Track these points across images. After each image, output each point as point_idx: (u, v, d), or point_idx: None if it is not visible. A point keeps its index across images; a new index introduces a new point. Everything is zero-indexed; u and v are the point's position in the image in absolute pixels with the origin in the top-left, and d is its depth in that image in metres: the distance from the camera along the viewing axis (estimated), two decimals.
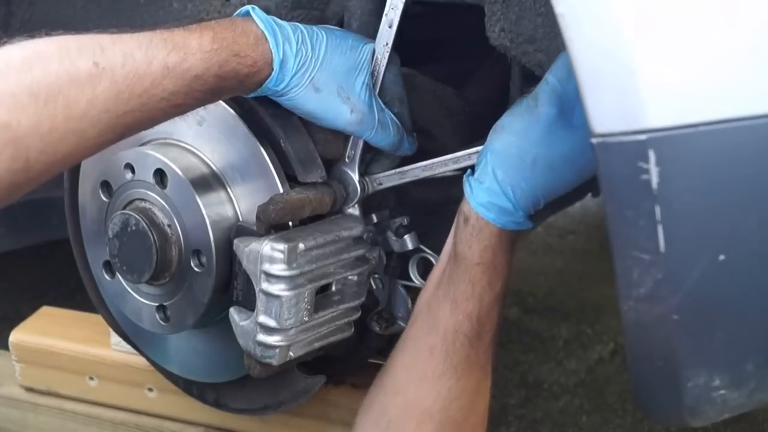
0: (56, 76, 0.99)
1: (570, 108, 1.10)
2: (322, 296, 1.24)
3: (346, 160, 1.28)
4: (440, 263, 1.24)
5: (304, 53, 1.17)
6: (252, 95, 1.19)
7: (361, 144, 1.27)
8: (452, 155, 1.25)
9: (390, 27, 1.22)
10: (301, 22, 1.31)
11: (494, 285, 1.19)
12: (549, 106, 1.12)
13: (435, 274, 1.25)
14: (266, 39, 1.15)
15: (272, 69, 1.15)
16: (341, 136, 1.28)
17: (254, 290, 1.19)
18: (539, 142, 1.12)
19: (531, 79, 1.28)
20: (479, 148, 1.20)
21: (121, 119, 1.04)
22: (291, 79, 1.17)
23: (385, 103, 1.25)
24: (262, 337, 1.20)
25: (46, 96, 0.97)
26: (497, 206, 1.15)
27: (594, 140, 0.90)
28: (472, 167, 1.19)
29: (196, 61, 1.09)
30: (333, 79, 1.19)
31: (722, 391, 0.97)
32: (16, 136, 0.95)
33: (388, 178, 1.30)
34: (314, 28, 1.21)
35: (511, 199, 1.14)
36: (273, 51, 1.15)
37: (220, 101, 1.23)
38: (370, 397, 1.27)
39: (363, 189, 1.29)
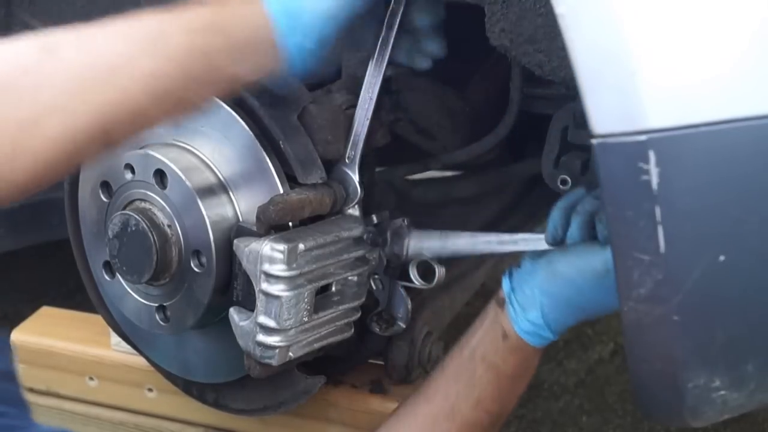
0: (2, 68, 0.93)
1: None
2: (321, 297, 1.24)
3: (347, 160, 1.27)
4: (461, 351, 1.23)
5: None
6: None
7: (361, 145, 1.27)
8: (497, 236, 1.26)
9: None
10: None
11: (517, 394, 1.23)
12: (605, 263, 1.10)
13: (455, 359, 1.23)
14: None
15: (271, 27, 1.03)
16: (341, 137, 1.27)
17: (254, 291, 1.19)
18: (595, 297, 1.13)
19: (531, 80, 1.28)
20: (527, 235, 1.22)
21: (84, 99, 0.94)
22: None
23: None
24: (261, 338, 1.20)
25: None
26: (540, 336, 1.17)
27: (594, 141, 0.90)
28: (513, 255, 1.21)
29: (155, 20, 0.99)
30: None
31: (722, 392, 0.97)
32: None
33: (430, 249, 1.30)
34: None
35: (554, 331, 1.17)
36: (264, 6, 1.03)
37: (221, 102, 1.23)
38: None
39: (363, 189, 1.28)
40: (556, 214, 1.17)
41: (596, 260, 1.10)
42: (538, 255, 1.17)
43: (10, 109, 0.91)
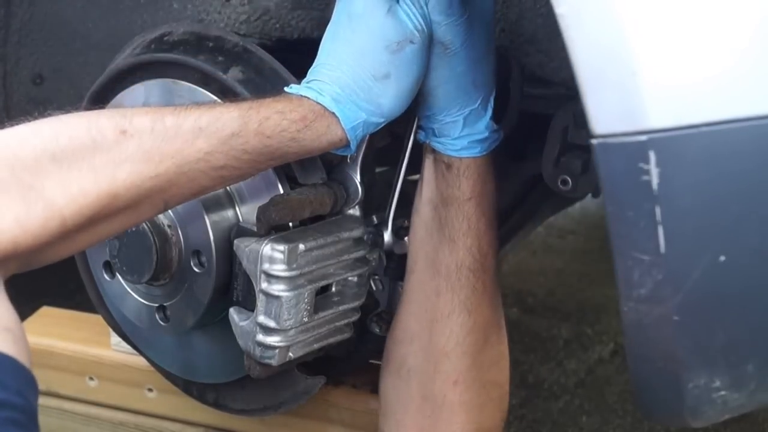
0: (81, 143, 1.00)
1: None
2: (321, 297, 1.24)
3: (348, 160, 1.27)
4: (420, 214, 1.27)
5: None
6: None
7: (363, 145, 1.27)
8: None
9: None
10: (301, 22, 1.32)
11: (487, 213, 1.24)
12: (450, 36, 1.15)
13: (418, 225, 1.28)
14: (309, 97, 1.13)
15: (333, 117, 1.12)
16: None
17: (254, 291, 1.19)
18: (467, 67, 1.17)
19: (531, 80, 1.28)
20: None
21: (155, 182, 1.04)
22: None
23: None
24: (261, 338, 1.20)
25: (69, 162, 0.99)
26: (475, 140, 1.21)
27: (594, 141, 0.90)
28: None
29: (231, 119, 1.08)
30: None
31: (723, 392, 0.97)
32: (48, 197, 0.96)
33: None
34: None
35: (483, 125, 1.21)
36: (320, 101, 1.12)
37: (218, 101, 1.23)
38: (387, 351, 1.31)
39: (363, 190, 1.28)
40: None
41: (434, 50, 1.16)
42: None
43: (89, 182, 1.00)
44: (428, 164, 1.26)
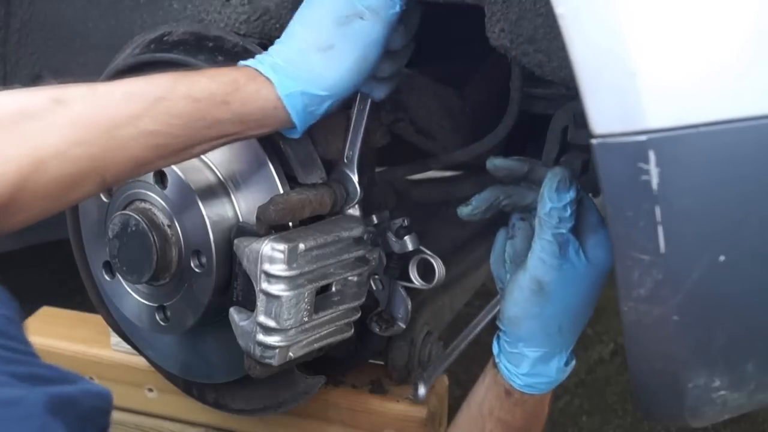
0: (14, 110, 1.00)
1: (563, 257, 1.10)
2: (322, 297, 1.24)
3: (345, 160, 1.27)
4: (465, 412, 1.24)
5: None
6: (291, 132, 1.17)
7: (359, 144, 1.27)
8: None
9: None
10: None
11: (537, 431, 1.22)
12: (548, 277, 1.10)
13: (461, 420, 1.25)
14: (247, 65, 1.13)
15: (266, 81, 1.11)
16: (341, 137, 1.27)
17: (254, 290, 1.19)
18: (557, 312, 1.12)
19: (531, 80, 1.28)
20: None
21: (84, 149, 1.02)
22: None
23: None
24: (261, 338, 1.20)
25: (0, 129, 0.99)
26: (541, 381, 1.17)
27: (594, 141, 0.90)
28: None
29: (160, 83, 1.07)
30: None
31: (722, 392, 0.97)
32: None
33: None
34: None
35: (554, 369, 1.16)
36: (255, 66, 1.12)
37: None
38: None
39: (362, 189, 1.28)
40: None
41: (533, 283, 1.10)
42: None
43: (17, 148, 0.99)
44: (489, 376, 1.20)
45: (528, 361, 1.15)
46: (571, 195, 1.07)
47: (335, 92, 1.14)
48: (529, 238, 1.15)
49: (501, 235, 1.20)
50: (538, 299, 1.11)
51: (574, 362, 1.18)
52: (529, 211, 1.18)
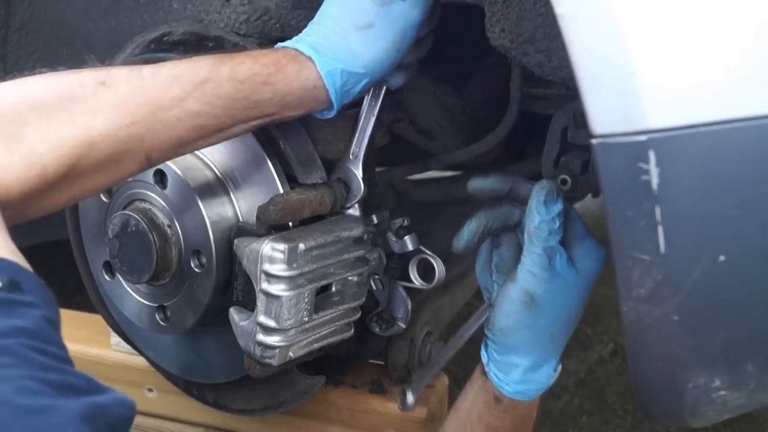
0: (61, 94, 1.02)
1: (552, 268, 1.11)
2: (322, 297, 1.24)
3: (351, 156, 1.27)
4: (454, 420, 1.23)
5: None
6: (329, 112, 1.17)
7: (365, 142, 1.27)
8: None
9: None
10: (301, 22, 1.31)
11: None
12: (540, 290, 1.11)
13: (449, 427, 1.24)
14: (287, 46, 1.14)
15: (307, 60, 1.12)
16: (341, 136, 1.27)
17: (254, 290, 1.19)
18: (549, 322, 1.13)
19: (531, 80, 1.28)
20: None
21: (131, 130, 1.04)
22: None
23: None
24: (261, 338, 1.20)
25: (49, 111, 1.00)
26: (532, 387, 1.17)
27: (594, 141, 0.90)
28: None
29: (205, 65, 1.09)
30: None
31: (722, 392, 0.97)
32: (28, 145, 0.98)
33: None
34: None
35: (545, 375, 1.16)
36: (296, 46, 1.13)
37: None
38: None
39: (366, 187, 1.28)
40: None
41: (524, 296, 1.11)
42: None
43: (67, 130, 1.01)
44: (478, 383, 1.20)
45: (519, 369, 1.15)
46: (558, 207, 1.08)
47: (372, 71, 1.15)
48: (515, 247, 1.16)
49: (485, 245, 1.20)
50: (529, 311, 1.12)
51: (560, 367, 1.19)
52: (515, 228, 1.18)
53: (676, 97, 0.88)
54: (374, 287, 1.34)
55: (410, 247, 1.32)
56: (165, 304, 1.34)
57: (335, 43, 1.13)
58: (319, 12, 1.17)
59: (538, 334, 1.14)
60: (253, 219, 1.22)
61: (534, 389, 1.17)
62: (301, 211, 1.22)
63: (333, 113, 1.18)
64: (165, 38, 1.34)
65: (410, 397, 1.33)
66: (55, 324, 0.85)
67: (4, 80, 1.03)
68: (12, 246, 0.89)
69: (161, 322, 1.36)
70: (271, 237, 1.18)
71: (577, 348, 2.44)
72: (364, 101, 1.27)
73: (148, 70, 1.07)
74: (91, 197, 1.37)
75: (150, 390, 1.61)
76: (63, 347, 0.84)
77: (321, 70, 1.13)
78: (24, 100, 1.00)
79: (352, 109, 1.27)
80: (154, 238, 1.27)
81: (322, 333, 1.25)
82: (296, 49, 1.13)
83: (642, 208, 0.89)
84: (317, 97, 1.14)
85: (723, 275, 0.92)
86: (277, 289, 1.17)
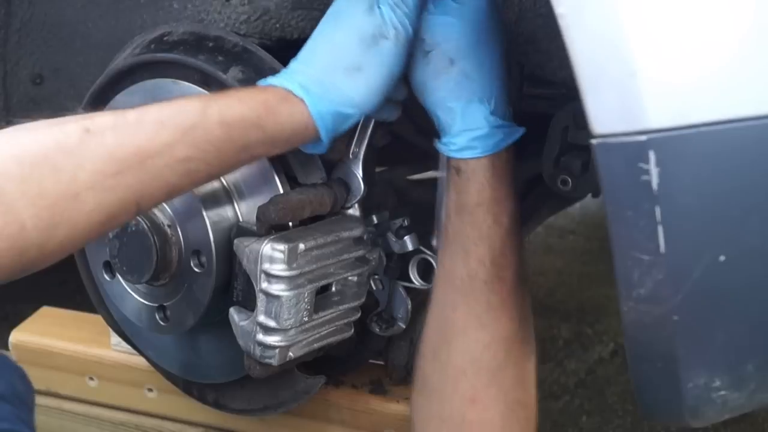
0: (45, 144, 0.99)
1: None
2: (322, 297, 1.24)
3: (351, 156, 1.27)
4: (440, 224, 1.23)
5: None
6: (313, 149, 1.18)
7: (366, 141, 1.27)
8: None
9: None
10: (301, 22, 1.31)
11: (501, 221, 1.18)
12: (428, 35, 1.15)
13: (439, 235, 1.23)
14: (275, 84, 1.14)
15: (299, 102, 1.12)
16: (341, 137, 1.27)
17: (254, 290, 1.19)
18: (450, 59, 1.16)
19: (531, 80, 1.28)
20: None
21: (119, 180, 1.01)
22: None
23: None
24: (261, 338, 1.20)
25: (32, 164, 0.97)
26: (476, 138, 1.16)
27: (594, 141, 0.90)
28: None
29: (192, 109, 1.07)
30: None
31: (722, 392, 0.97)
32: (5, 201, 0.95)
33: None
34: None
35: (481, 117, 1.16)
36: (286, 86, 1.13)
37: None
38: (415, 368, 1.26)
39: (366, 186, 1.28)
40: None
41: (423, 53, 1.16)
42: None
43: (52, 183, 0.98)
44: (447, 173, 1.21)
45: (455, 123, 1.17)
46: None
47: (362, 110, 1.16)
48: None
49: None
50: (427, 59, 1.16)
51: (509, 112, 1.20)
52: None
53: (676, 97, 0.88)
54: (374, 287, 1.34)
55: (410, 247, 1.32)
56: (165, 304, 1.34)
57: (325, 85, 1.13)
58: (305, 49, 1.16)
59: (449, 77, 1.16)
60: (253, 219, 1.22)
61: (479, 140, 1.16)
62: (301, 211, 1.22)
63: (323, 149, 1.18)
64: (165, 38, 1.34)
65: None
66: (5, 398, 0.81)
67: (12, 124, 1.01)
68: None
69: (161, 322, 1.36)
70: (271, 237, 1.18)
71: (577, 348, 2.44)
72: None
73: (133, 115, 1.05)
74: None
75: (150, 390, 1.61)
76: (16, 421, 0.80)
77: (312, 111, 1.12)
78: (8, 152, 0.97)
79: None
80: (154, 238, 1.27)
81: (322, 333, 1.25)
82: (286, 89, 1.12)
83: (642, 208, 0.89)
84: (307, 137, 1.14)
85: (723, 275, 0.92)
86: (277, 289, 1.17)
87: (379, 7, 1.14)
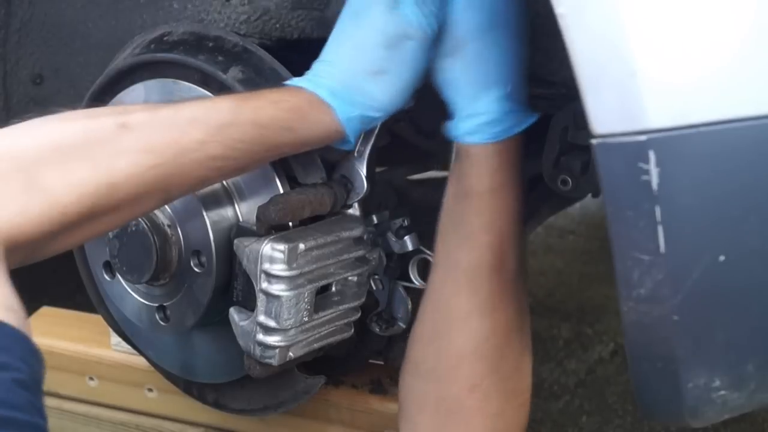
0: (81, 136, 1.02)
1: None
2: (322, 297, 1.24)
3: (356, 154, 1.27)
4: (444, 209, 1.22)
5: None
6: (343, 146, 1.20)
7: (372, 140, 1.26)
8: None
9: None
10: (301, 22, 1.31)
11: (508, 208, 1.19)
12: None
13: (441, 220, 1.23)
14: (305, 89, 1.15)
15: (328, 108, 1.14)
16: None
17: (254, 290, 1.19)
18: (457, 44, 1.15)
19: (531, 80, 1.28)
20: None
21: (154, 173, 1.04)
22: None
23: None
24: (261, 338, 1.20)
25: (69, 154, 1.00)
26: (484, 123, 1.16)
27: (594, 141, 0.90)
28: None
29: (226, 109, 1.10)
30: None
31: (722, 392, 0.97)
32: (47, 186, 0.97)
33: None
34: None
35: (497, 103, 1.15)
36: (316, 92, 1.14)
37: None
38: (408, 350, 1.26)
39: (369, 185, 1.28)
40: None
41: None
42: None
43: (90, 172, 1.01)
44: (453, 157, 1.21)
45: (464, 104, 1.16)
46: None
47: (388, 112, 1.17)
48: None
49: None
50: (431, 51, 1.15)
51: (517, 113, 1.18)
52: None
53: (676, 97, 0.88)
54: (374, 287, 1.34)
55: (410, 247, 1.32)
56: (165, 304, 1.34)
57: (351, 89, 1.14)
58: (328, 49, 1.17)
59: (462, 58, 1.15)
60: (253, 219, 1.22)
61: (487, 126, 1.16)
62: (301, 211, 1.22)
63: (351, 147, 1.21)
64: (165, 38, 1.34)
65: None
66: (26, 384, 0.81)
67: (12, 123, 1.03)
68: (9, 302, 0.89)
69: (161, 322, 1.36)
70: (271, 237, 1.18)
71: (577, 348, 2.45)
72: None
73: (166, 112, 1.08)
74: None
75: (150, 390, 1.61)
76: (31, 410, 0.81)
77: (341, 116, 1.14)
78: (45, 142, 1.00)
79: None
80: (154, 238, 1.27)
81: (322, 333, 1.25)
82: (317, 96, 1.14)
83: (642, 208, 0.89)
84: (335, 138, 1.17)
85: (723, 275, 0.92)
86: (277, 289, 1.17)
87: (402, 5, 1.13)
